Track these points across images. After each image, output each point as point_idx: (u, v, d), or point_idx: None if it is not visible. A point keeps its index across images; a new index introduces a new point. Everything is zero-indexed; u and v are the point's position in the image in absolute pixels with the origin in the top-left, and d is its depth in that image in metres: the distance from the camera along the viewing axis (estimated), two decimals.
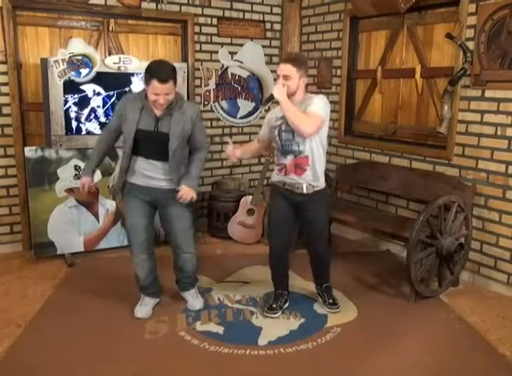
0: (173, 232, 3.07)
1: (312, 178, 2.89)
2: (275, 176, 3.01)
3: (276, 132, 2.91)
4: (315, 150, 2.87)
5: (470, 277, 3.73)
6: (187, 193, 2.90)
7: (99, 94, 3.85)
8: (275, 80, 4.95)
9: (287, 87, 2.78)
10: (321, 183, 2.95)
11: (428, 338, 2.92)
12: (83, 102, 3.82)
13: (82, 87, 3.79)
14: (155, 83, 2.65)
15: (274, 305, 3.16)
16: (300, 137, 2.81)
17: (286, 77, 2.79)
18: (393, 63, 4.26)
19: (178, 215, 3.01)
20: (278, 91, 2.76)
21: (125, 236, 4.13)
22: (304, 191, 2.90)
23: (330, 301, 3.22)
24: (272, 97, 2.81)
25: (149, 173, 2.90)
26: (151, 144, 2.86)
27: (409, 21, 4.05)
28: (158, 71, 2.68)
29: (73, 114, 3.80)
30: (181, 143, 2.87)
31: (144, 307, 3.12)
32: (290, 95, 2.81)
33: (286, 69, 2.79)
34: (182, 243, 3.08)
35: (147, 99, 2.78)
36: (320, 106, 2.80)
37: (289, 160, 2.89)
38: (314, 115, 2.75)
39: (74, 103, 3.79)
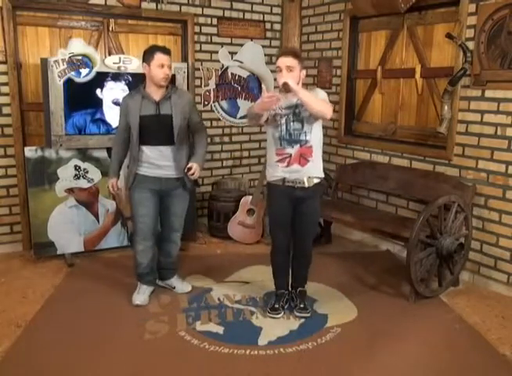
0: (170, 218, 3.28)
1: (313, 169, 2.94)
2: (274, 173, 2.97)
3: (283, 121, 2.92)
4: (318, 140, 2.95)
5: (470, 277, 3.73)
6: (196, 169, 3.11)
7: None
8: (275, 80, 5.00)
9: (292, 79, 2.82)
10: (320, 173, 3.00)
11: (428, 337, 2.92)
12: None
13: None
14: (159, 55, 2.97)
15: (276, 306, 3.16)
16: (309, 126, 2.87)
17: (289, 68, 2.83)
18: (393, 63, 4.26)
19: (181, 205, 3.26)
20: (292, 79, 2.78)
21: (125, 236, 4.17)
22: (306, 185, 2.93)
23: (302, 305, 3.18)
24: (286, 86, 2.77)
25: (158, 162, 3.09)
26: (155, 129, 3.06)
27: (409, 21, 4.05)
28: (158, 47, 3.06)
29: None
30: (182, 124, 3.09)
31: (142, 295, 3.25)
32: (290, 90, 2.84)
33: (289, 61, 2.84)
34: (176, 225, 3.31)
35: (145, 90, 3.06)
36: (325, 95, 2.93)
37: (295, 149, 2.90)
38: (327, 102, 2.88)
39: None
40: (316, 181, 2.97)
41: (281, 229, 3.08)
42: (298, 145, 2.90)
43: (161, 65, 2.97)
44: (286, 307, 3.19)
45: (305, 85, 3.09)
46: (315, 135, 2.91)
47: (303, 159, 2.90)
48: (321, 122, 2.95)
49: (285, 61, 2.84)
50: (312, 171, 2.94)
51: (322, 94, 2.92)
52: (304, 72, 2.91)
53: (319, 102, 2.80)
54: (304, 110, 2.85)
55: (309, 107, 2.79)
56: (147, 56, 3.01)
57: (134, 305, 3.19)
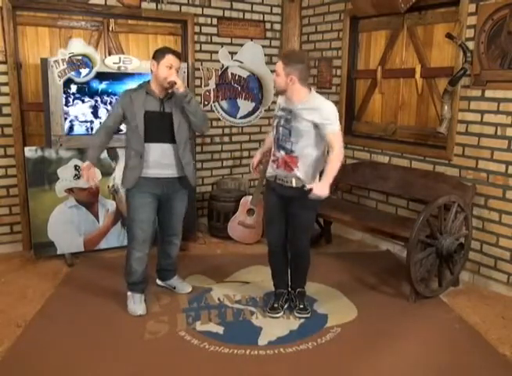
0: (172, 221, 3.26)
1: (302, 176, 2.86)
2: (269, 170, 3.02)
3: (275, 124, 2.93)
4: (309, 153, 2.84)
5: (470, 277, 3.73)
6: (179, 82, 2.95)
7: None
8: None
9: (275, 83, 2.83)
10: (310, 183, 2.87)
11: (428, 337, 2.92)
12: None
13: None
14: (170, 56, 2.97)
15: (276, 305, 3.16)
16: (296, 138, 2.81)
17: (275, 72, 2.82)
18: (393, 63, 4.26)
19: (181, 209, 3.25)
20: (321, 190, 2.68)
21: (125, 236, 4.14)
22: (294, 185, 2.88)
23: (301, 306, 3.16)
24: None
25: (161, 159, 3.03)
26: (159, 125, 3.03)
27: (409, 21, 4.05)
28: (171, 49, 3.07)
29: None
30: (183, 123, 3.06)
31: (139, 304, 3.16)
32: (282, 93, 2.84)
33: (277, 65, 2.82)
34: (177, 230, 3.31)
35: (150, 86, 3.03)
36: (336, 119, 2.77)
37: (281, 154, 2.89)
38: (337, 137, 2.75)
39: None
40: (306, 184, 2.85)
41: (273, 225, 3.07)
42: (284, 152, 2.87)
43: (170, 66, 2.94)
44: (285, 307, 3.19)
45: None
46: (302, 148, 2.81)
47: (288, 167, 2.87)
48: (321, 139, 2.80)
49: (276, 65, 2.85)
50: (301, 177, 2.85)
51: (332, 123, 2.73)
52: (293, 78, 2.73)
53: (337, 163, 2.73)
54: (294, 120, 2.79)
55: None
56: (158, 54, 2.99)
57: (136, 316, 3.08)
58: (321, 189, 2.68)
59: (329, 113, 2.76)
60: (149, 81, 3.07)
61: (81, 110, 3.82)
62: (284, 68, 2.76)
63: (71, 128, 3.81)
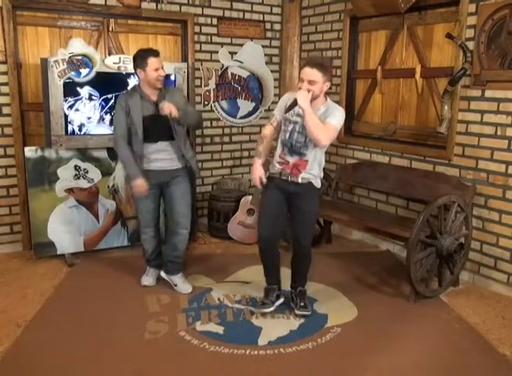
0: (175, 208, 3.35)
1: (307, 176, 2.94)
2: (274, 168, 3.03)
3: (290, 128, 2.93)
4: (318, 156, 2.95)
5: (470, 277, 3.73)
6: (168, 106, 3.10)
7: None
8: (275, 80, 4.99)
9: (312, 92, 2.79)
10: (316, 182, 2.98)
11: (428, 337, 2.92)
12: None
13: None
14: (152, 59, 3.08)
15: (266, 301, 3.17)
16: (312, 143, 2.86)
17: (311, 82, 2.78)
18: (393, 63, 4.26)
19: (181, 194, 3.34)
20: (303, 98, 2.75)
21: (125, 236, 4.19)
22: (299, 180, 2.93)
23: (302, 304, 3.17)
24: (295, 103, 2.79)
25: (158, 156, 3.25)
26: (156, 127, 3.20)
27: (409, 21, 4.05)
28: (149, 50, 3.17)
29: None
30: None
31: (149, 277, 3.53)
32: (313, 100, 2.82)
33: (313, 74, 2.79)
34: (182, 219, 3.37)
35: (142, 89, 3.18)
36: (339, 119, 2.88)
37: (293, 159, 2.93)
38: (332, 128, 2.83)
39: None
40: (312, 180, 2.96)
41: (268, 219, 3.06)
42: (298, 157, 2.92)
43: (156, 68, 3.09)
44: (277, 304, 3.18)
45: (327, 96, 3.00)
46: (315, 152, 2.91)
47: (296, 169, 2.93)
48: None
49: (308, 74, 2.79)
50: (308, 176, 2.94)
51: (335, 119, 2.84)
52: (328, 84, 2.86)
53: (320, 127, 2.76)
54: None
55: (308, 130, 2.79)
56: (139, 61, 3.11)
57: (142, 286, 3.48)
58: (303, 99, 2.76)
59: (339, 116, 2.89)
60: (139, 84, 3.20)
61: (81, 109, 3.81)
62: (322, 76, 2.80)
63: (71, 128, 3.80)
